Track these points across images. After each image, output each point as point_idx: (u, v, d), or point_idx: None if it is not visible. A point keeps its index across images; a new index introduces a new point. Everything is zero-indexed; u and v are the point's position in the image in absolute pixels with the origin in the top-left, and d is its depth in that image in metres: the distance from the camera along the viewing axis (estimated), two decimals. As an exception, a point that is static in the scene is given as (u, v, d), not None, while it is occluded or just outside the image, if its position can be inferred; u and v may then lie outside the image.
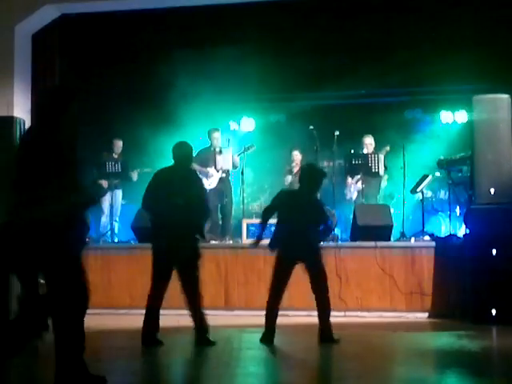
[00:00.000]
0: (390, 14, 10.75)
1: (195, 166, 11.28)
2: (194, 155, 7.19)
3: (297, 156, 11.78)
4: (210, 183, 11.14)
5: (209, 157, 11.28)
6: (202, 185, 7.27)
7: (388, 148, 11.05)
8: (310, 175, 7.22)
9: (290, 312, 9.23)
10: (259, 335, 7.10)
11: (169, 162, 7.22)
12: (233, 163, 11.17)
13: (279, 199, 7.25)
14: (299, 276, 9.38)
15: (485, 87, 10.30)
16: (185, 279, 6.84)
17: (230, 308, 9.51)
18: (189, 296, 6.84)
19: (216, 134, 11.37)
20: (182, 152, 7.03)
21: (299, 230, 6.96)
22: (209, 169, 11.20)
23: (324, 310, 7.03)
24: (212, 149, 11.28)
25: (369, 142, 11.21)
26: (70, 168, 4.67)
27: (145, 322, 6.83)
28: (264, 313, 8.11)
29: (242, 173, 11.17)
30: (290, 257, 7.01)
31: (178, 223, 6.72)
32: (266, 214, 7.31)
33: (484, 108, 8.88)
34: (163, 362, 6.51)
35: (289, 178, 11.74)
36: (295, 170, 11.75)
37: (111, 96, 12.63)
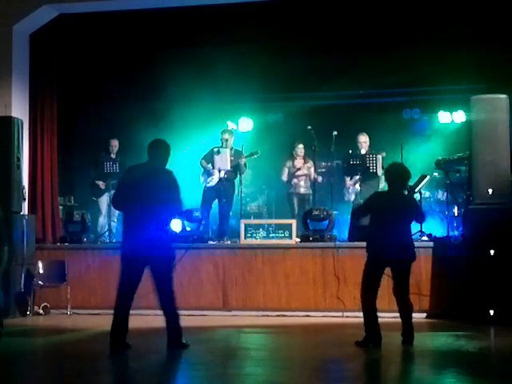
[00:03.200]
0: (387, 14, 10.76)
1: (203, 163, 11.36)
2: (169, 154, 7.00)
3: (301, 150, 11.76)
4: (210, 180, 11.28)
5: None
6: (172, 185, 6.81)
7: (384, 154, 11.02)
8: (400, 174, 7.02)
9: (287, 312, 9.26)
10: (257, 335, 7.08)
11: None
12: (238, 165, 11.13)
13: (375, 201, 7.09)
14: (296, 277, 9.44)
15: (483, 87, 10.32)
16: (158, 280, 6.66)
17: (227, 308, 9.50)
18: (163, 296, 6.66)
19: (226, 135, 11.38)
20: (157, 150, 6.89)
21: (397, 231, 6.83)
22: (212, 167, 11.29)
23: (409, 311, 6.89)
24: (216, 149, 11.29)
25: (363, 141, 11.15)
26: None
27: (113, 325, 6.64)
28: (262, 313, 8.18)
29: (240, 173, 11.17)
30: (384, 258, 6.82)
31: (146, 223, 6.56)
32: (359, 214, 7.47)
33: (482, 108, 8.87)
34: (163, 361, 6.51)
35: (291, 171, 11.71)
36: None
37: (109, 95, 12.60)
